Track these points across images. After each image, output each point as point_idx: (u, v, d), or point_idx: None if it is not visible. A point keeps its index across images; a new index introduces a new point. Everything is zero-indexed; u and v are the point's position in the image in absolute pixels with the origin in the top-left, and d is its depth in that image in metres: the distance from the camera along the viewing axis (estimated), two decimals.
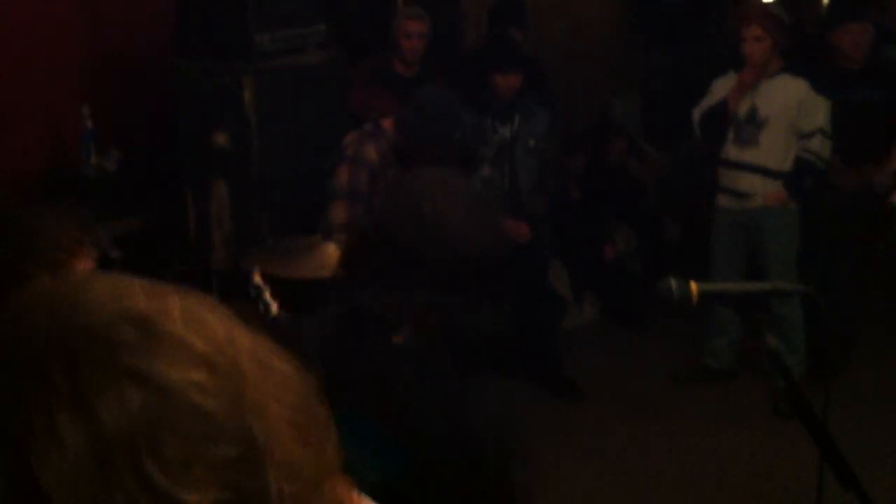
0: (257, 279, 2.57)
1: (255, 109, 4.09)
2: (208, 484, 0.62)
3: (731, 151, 4.50)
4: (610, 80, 6.11)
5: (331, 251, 2.99)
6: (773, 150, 4.40)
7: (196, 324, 0.69)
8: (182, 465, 0.62)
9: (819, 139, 4.35)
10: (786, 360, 2.78)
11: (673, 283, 2.13)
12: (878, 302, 5.23)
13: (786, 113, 4.36)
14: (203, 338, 0.68)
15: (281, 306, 2.56)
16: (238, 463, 0.64)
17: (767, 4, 4.56)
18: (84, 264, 1.93)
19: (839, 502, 2.64)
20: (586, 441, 4.29)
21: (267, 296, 2.54)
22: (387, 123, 3.75)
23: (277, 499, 0.65)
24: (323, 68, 4.42)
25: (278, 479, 0.66)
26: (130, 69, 4.36)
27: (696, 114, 4.60)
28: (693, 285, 2.14)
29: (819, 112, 4.35)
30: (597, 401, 4.62)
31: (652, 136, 6.05)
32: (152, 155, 4.23)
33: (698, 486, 3.92)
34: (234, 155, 4.02)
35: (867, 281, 5.00)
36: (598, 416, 4.50)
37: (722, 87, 4.53)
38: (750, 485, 3.89)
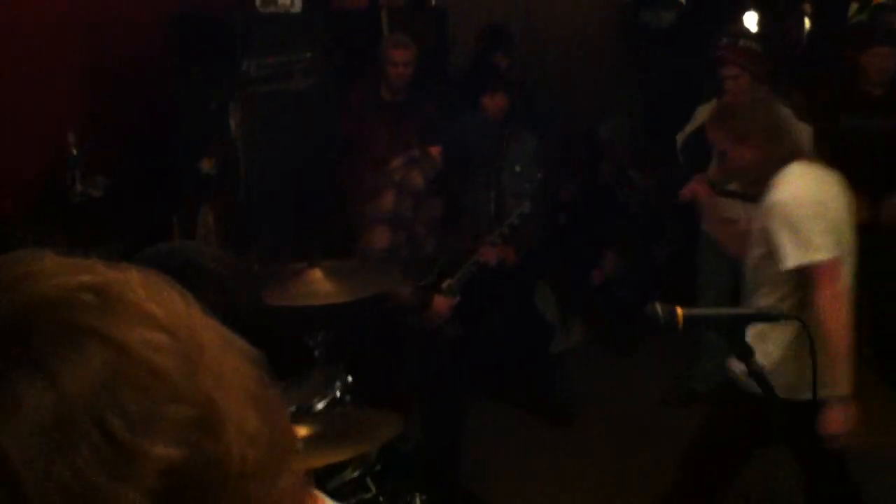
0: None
1: (241, 135, 4.10)
2: (170, 440, 0.63)
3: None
4: (599, 104, 6.15)
5: (318, 278, 2.99)
6: None
7: (156, 295, 0.70)
8: (144, 421, 0.63)
9: None
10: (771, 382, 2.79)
11: (659, 308, 2.14)
12: None
13: None
14: (163, 307, 0.69)
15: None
16: (198, 423, 0.65)
17: (742, 41, 4.60)
18: None
19: None
20: (574, 465, 4.27)
21: None
22: (433, 150, 3.80)
23: (239, 462, 0.67)
24: (310, 94, 4.44)
25: (240, 445, 0.67)
26: (118, 95, 4.37)
27: (679, 139, 4.63)
28: (679, 310, 2.15)
29: (802, 137, 4.38)
30: (585, 425, 4.61)
31: (639, 160, 6.07)
32: (140, 181, 4.23)
33: None
34: (220, 181, 4.03)
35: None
36: (587, 439, 4.49)
37: (706, 113, 4.56)
38: None
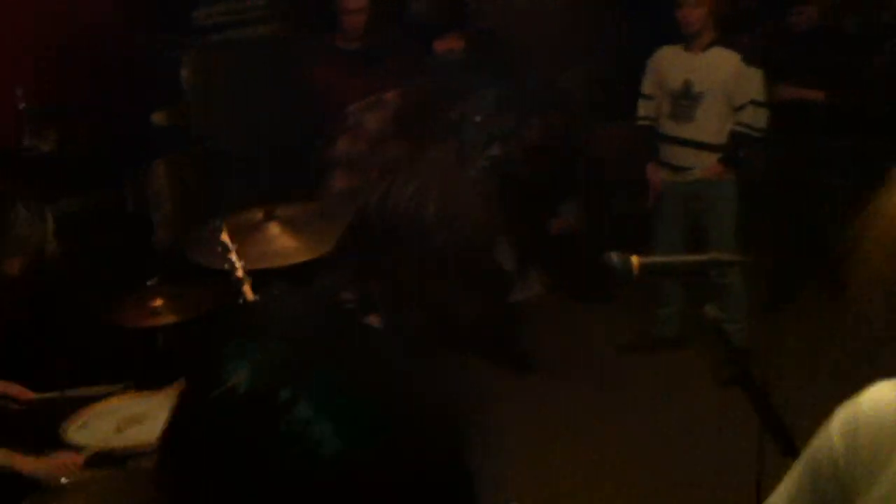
0: (224, 238, 2.50)
1: (195, 87, 4.02)
2: None
3: (668, 126, 4.59)
4: (559, 53, 6.11)
5: (275, 234, 2.94)
6: (709, 124, 4.47)
7: None
8: None
9: (751, 110, 4.42)
10: (727, 329, 2.83)
11: (614, 256, 2.15)
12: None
13: (720, 87, 4.42)
14: None
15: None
16: None
17: None
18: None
19: (780, 470, 2.69)
20: (536, 412, 4.32)
21: (233, 256, 2.48)
22: (390, 95, 3.75)
23: None
24: (265, 43, 4.36)
25: None
26: (68, 48, 4.26)
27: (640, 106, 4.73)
28: (634, 259, 2.17)
29: (752, 84, 4.41)
30: (546, 372, 4.65)
31: (598, 111, 6.06)
32: (92, 135, 4.15)
33: (645, 455, 3.97)
34: (172, 134, 3.96)
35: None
36: (548, 387, 4.53)
37: (662, 62, 4.60)
38: (694, 452, 3.96)
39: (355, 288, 1.71)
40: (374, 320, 1.71)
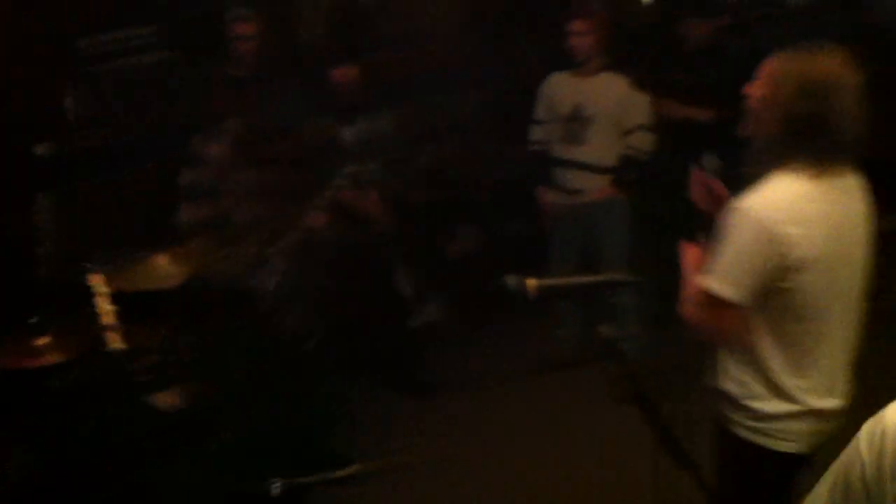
0: (95, 281, 2.43)
1: (80, 116, 3.91)
2: None
3: (560, 150, 4.69)
4: (453, 77, 6.16)
5: (162, 263, 2.88)
6: (599, 146, 4.58)
7: None
8: None
9: (639, 134, 4.55)
10: (622, 347, 2.89)
11: (512, 279, 2.18)
12: None
13: (609, 111, 4.54)
14: None
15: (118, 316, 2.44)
16: None
17: (596, 5, 4.72)
18: None
19: (676, 483, 2.77)
20: (437, 437, 4.31)
21: (101, 300, 2.41)
22: (232, 123, 3.70)
23: None
24: (153, 71, 4.27)
25: None
26: None
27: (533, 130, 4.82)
28: (531, 281, 2.20)
29: (639, 108, 4.55)
30: (445, 398, 4.65)
31: (492, 134, 6.13)
32: None
33: (544, 472, 4.01)
34: (58, 166, 3.83)
35: None
36: (448, 412, 4.53)
37: (553, 87, 4.70)
38: (591, 469, 4.01)
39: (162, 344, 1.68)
40: (164, 398, 1.68)
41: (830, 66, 2.22)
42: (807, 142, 2.21)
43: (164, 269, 2.84)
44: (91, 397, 1.57)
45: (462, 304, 5.45)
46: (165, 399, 1.64)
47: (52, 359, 2.77)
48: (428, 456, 4.15)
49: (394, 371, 4.77)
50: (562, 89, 4.67)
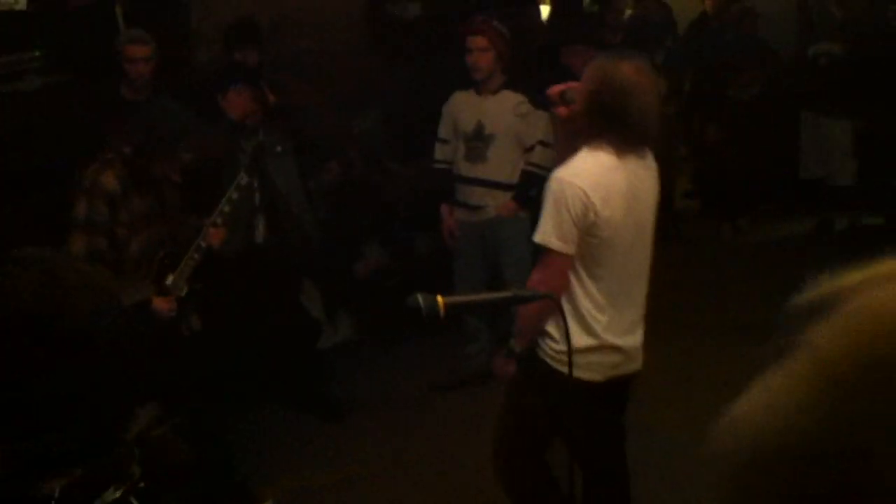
0: None
1: None
2: None
3: (463, 167, 4.73)
4: (353, 96, 6.15)
5: None
6: (501, 164, 4.65)
7: None
8: None
9: (539, 150, 4.62)
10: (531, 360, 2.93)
11: (420, 298, 2.18)
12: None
13: (510, 128, 4.61)
14: None
15: None
16: None
17: (491, 19, 4.78)
18: None
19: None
20: (347, 458, 4.28)
21: None
22: (125, 149, 3.59)
23: None
24: (43, 95, 4.15)
25: None
26: None
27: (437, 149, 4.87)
28: (440, 299, 2.20)
29: (539, 125, 4.61)
30: (358, 417, 4.62)
31: (395, 152, 6.15)
32: None
33: (457, 487, 4.02)
34: None
35: None
36: (359, 432, 4.51)
37: (454, 104, 4.74)
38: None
39: None
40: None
41: (629, 71, 2.76)
42: (609, 127, 2.76)
43: None
44: None
45: (372, 323, 5.44)
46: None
47: None
48: (339, 476, 4.13)
49: (302, 393, 4.71)
50: (464, 107, 4.71)
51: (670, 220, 6.37)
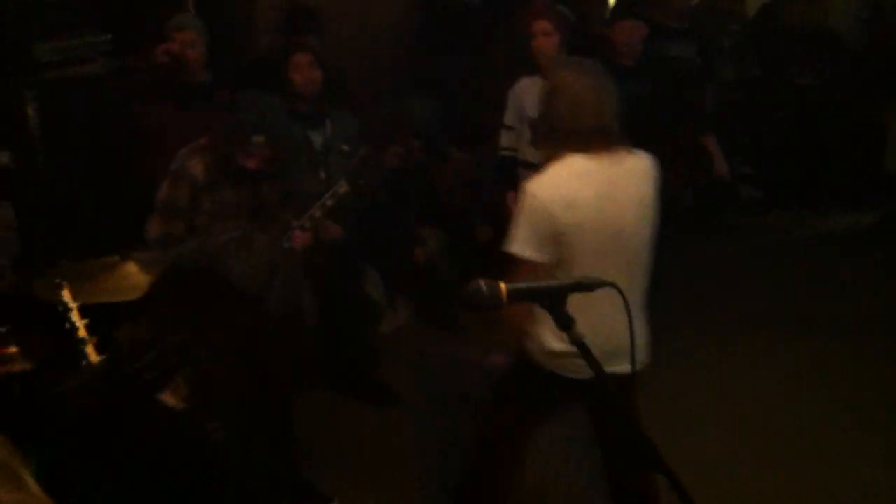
0: (66, 297, 2.39)
1: (40, 124, 3.84)
2: None
3: (530, 153, 4.67)
4: (406, 84, 6.16)
5: (132, 272, 2.84)
6: None
7: None
8: None
9: None
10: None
11: (482, 284, 2.16)
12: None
13: None
14: None
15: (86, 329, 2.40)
16: None
17: (555, 3, 4.74)
18: None
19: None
20: (403, 444, 4.29)
21: (74, 315, 2.37)
22: (212, 138, 3.62)
23: None
24: (111, 79, 4.22)
25: None
26: None
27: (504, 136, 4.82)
28: (502, 285, 2.18)
29: None
30: (414, 403, 4.64)
31: (454, 139, 6.14)
32: None
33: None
34: (19, 174, 3.77)
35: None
36: (415, 417, 4.52)
37: (520, 91, 4.70)
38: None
39: (155, 338, 1.67)
40: (168, 398, 1.67)
41: (562, 74, 2.85)
42: (568, 138, 2.80)
43: (134, 278, 2.79)
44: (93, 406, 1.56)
45: (431, 308, 5.44)
46: (169, 398, 1.62)
47: (25, 366, 2.75)
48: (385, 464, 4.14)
49: (358, 378, 4.73)
50: (529, 93, 4.67)
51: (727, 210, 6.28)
